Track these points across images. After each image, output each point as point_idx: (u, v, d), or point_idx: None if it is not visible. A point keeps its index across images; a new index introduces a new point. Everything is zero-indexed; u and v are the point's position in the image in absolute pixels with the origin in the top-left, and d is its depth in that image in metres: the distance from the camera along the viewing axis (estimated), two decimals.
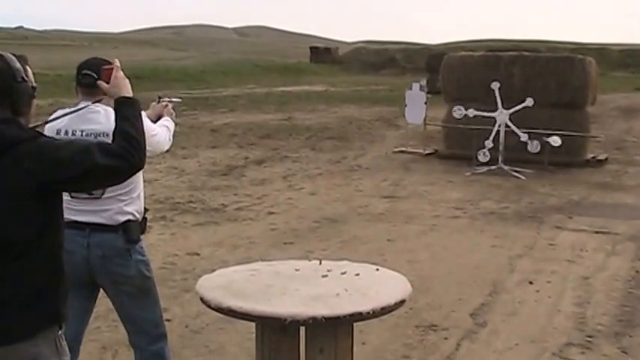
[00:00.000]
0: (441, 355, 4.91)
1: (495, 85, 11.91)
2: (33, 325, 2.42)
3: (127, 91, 2.76)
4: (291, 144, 14.91)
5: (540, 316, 5.64)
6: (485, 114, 12.03)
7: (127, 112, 2.63)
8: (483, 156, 12.06)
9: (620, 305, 5.90)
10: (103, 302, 3.86)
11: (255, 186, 10.72)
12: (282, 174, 11.69)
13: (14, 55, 2.47)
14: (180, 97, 4.28)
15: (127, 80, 2.82)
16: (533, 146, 11.72)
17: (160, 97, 3.99)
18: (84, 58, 3.58)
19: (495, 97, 11.91)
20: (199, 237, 7.83)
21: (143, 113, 3.68)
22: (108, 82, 2.82)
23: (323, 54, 51.81)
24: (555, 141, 11.67)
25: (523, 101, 11.65)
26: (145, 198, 3.66)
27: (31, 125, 2.51)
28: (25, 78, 2.45)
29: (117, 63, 2.86)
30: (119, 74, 2.80)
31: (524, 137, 11.78)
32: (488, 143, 12.03)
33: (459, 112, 12.28)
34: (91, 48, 51.08)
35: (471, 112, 12.16)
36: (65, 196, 3.38)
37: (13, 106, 2.42)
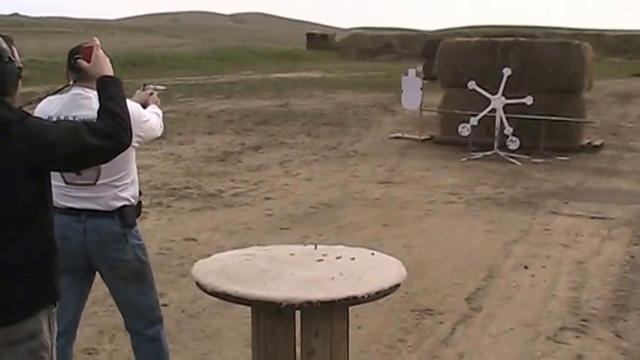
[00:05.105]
0: (437, 339, 4.94)
1: (507, 72, 11.83)
2: (34, 303, 2.45)
3: (109, 69, 2.72)
4: (287, 130, 14.89)
5: (535, 301, 5.67)
6: (483, 92, 11.99)
7: (112, 91, 2.60)
8: (465, 130, 12.06)
9: (615, 290, 5.93)
10: (100, 287, 3.87)
11: (251, 172, 10.73)
12: (279, 160, 11.70)
13: (0, 35, 2.44)
14: (165, 85, 4.24)
15: (108, 59, 2.78)
16: (514, 143, 11.71)
17: (144, 85, 3.93)
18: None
19: (501, 82, 11.84)
20: (196, 222, 7.85)
21: (133, 99, 3.69)
22: (88, 61, 2.79)
23: (319, 40, 51.53)
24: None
25: (523, 97, 11.61)
26: (140, 183, 3.67)
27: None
28: (12, 58, 2.43)
29: (97, 41, 2.82)
30: (99, 53, 2.76)
31: (508, 131, 11.77)
32: (474, 120, 12.00)
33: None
34: (87, 35, 50.35)
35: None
36: (60, 183, 3.41)
37: None
